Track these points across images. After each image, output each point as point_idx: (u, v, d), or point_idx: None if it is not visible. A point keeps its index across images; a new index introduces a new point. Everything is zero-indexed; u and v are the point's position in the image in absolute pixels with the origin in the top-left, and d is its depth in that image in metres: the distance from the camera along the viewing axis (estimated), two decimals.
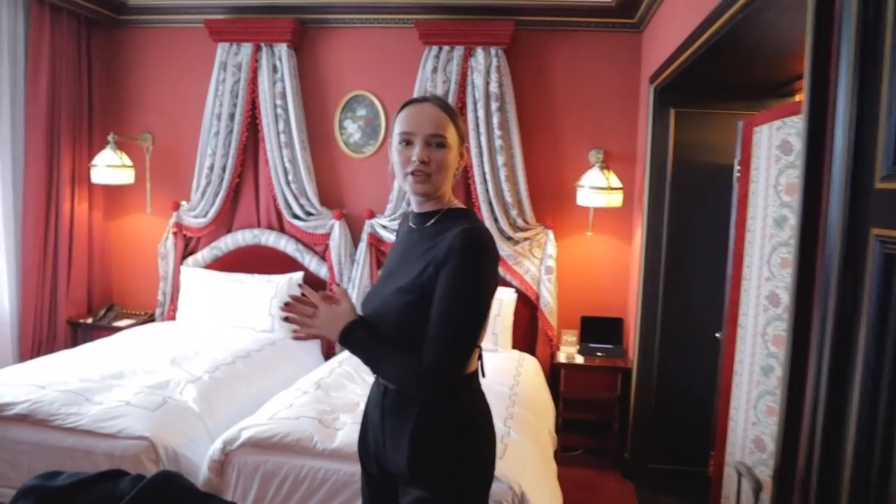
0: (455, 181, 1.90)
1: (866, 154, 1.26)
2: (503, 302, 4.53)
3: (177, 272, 5.05)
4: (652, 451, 4.21)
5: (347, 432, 2.91)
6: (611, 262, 4.82)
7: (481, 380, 1.88)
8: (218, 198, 4.94)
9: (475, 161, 4.59)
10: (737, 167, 2.90)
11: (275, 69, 4.84)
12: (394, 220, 4.70)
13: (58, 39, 4.68)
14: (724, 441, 2.93)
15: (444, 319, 1.68)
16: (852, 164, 1.28)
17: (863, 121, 1.28)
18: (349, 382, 3.73)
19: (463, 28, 4.59)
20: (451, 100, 4.50)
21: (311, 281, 4.88)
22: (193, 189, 5.03)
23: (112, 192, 5.24)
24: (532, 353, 4.64)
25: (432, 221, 1.84)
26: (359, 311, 1.85)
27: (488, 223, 4.52)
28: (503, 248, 4.56)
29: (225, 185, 4.92)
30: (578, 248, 4.82)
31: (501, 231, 4.62)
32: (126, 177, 4.95)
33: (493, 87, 4.54)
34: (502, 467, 2.61)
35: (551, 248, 4.63)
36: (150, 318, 5.14)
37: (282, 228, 5.02)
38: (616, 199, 4.45)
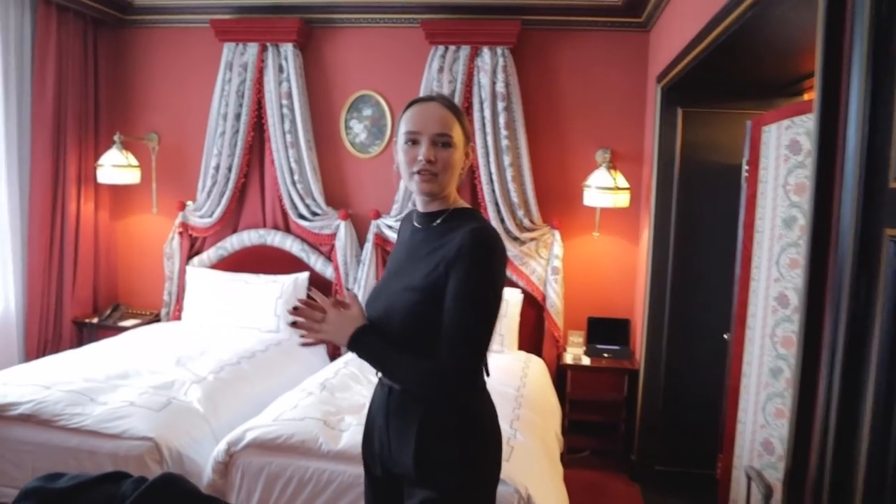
0: (460, 181, 1.88)
1: (880, 153, 1.24)
2: (509, 303, 4.51)
3: (182, 272, 5.04)
4: (659, 453, 4.17)
5: (352, 434, 2.89)
6: (617, 263, 4.79)
7: (486, 380, 1.87)
8: (224, 198, 4.94)
9: (481, 161, 4.58)
10: (745, 167, 2.87)
11: (280, 69, 4.83)
12: (399, 220, 4.68)
13: (64, 39, 4.69)
14: (732, 443, 2.90)
15: (459, 321, 1.67)
16: (865, 163, 1.25)
17: (876, 119, 1.26)
18: (354, 383, 3.72)
19: (469, 28, 4.57)
20: (457, 100, 4.49)
21: (317, 281, 4.87)
22: (199, 189, 5.03)
23: (118, 191, 5.24)
24: (538, 354, 4.62)
25: (439, 221, 1.83)
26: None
27: (494, 223, 4.50)
28: (509, 249, 4.54)
29: (231, 185, 4.92)
30: (585, 249, 4.80)
31: (508, 231, 4.60)
32: (132, 177, 4.95)
33: (500, 87, 4.52)
34: (508, 469, 2.59)
35: (558, 249, 4.61)
36: (156, 318, 5.13)
37: (287, 229, 5.01)
38: (623, 200, 4.42)
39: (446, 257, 1.70)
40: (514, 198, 4.59)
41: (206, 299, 4.81)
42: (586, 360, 4.50)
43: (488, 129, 4.54)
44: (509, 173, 4.56)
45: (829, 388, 1.36)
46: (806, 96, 3.62)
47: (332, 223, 4.83)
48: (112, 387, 3.41)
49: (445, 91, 4.53)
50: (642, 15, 4.45)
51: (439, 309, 1.70)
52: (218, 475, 2.92)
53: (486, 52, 4.54)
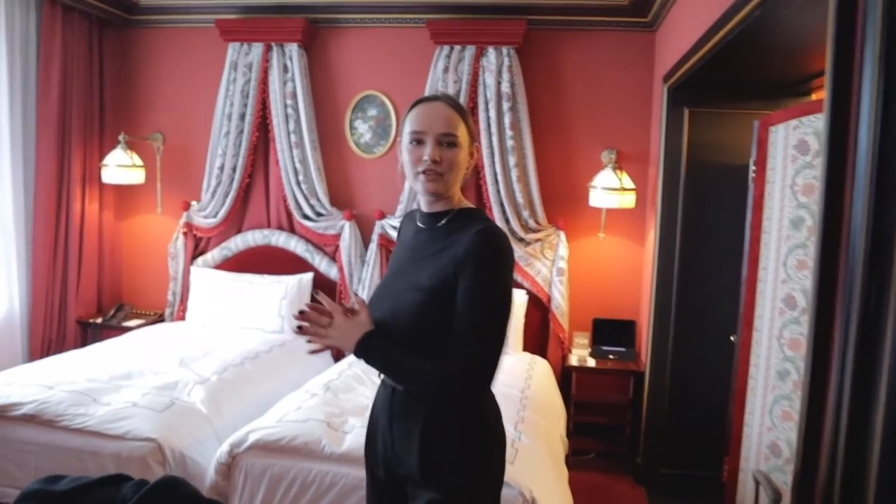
0: (465, 181, 1.87)
1: (892, 152, 1.22)
2: (514, 304, 4.47)
3: (187, 272, 5.04)
4: (665, 455, 4.15)
5: (356, 436, 2.88)
6: (623, 264, 4.77)
7: None
8: (228, 198, 4.94)
9: (486, 162, 4.56)
10: (752, 167, 2.85)
11: (285, 69, 4.82)
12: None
13: (69, 39, 4.69)
14: (739, 446, 2.88)
15: (474, 323, 1.66)
16: (877, 162, 1.23)
17: (888, 119, 1.24)
18: (358, 385, 3.70)
19: (474, 27, 4.56)
20: (462, 100, 4.47)
21: (322, 282, 4.86)
22: (204, 189, 5.02)
23: (123, 191, 5.24)
24: (543, 355, 4.60)
25: (444, 221, 1.82)
26: None
27: (500, 224, 4.47)
28: (514, 250, 4.52)
29: (235, 185, 4.91)
30: (590, 250, 4.78)
31: (513, 232, 4.58)
32: (137, 177, 4.95)
33: (505, 87, 4.51)
34: (513, 472, 2.58)
35: (563, 250, 4.59)
36: (160, 319, 5.13)
37: (292, 229, 5.00)
38: (629, 200, 4.40)
39: (454, 258, 1.69)
40: (520, 198, 4.57)
41: (210, 299, 4.80)
42: (591, 362, 4.48)
43: (493, 129, 4.53)
44: (514, 174, 4.54)
45: (839, 391, 1.34)
46: (814, 96, 3.60)
47: (336, 224, 4.82)
48: (115, 387, 3.40)
49: (451, 91, 4.51)
50: (648, 15, 4.43)
51: (446, 309, 1.69)
52: (221, 477, 2.90)
53: (491, 52, 4.53)
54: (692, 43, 3.27)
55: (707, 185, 3.98)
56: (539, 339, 4.69)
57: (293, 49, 4.78)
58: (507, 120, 4.51)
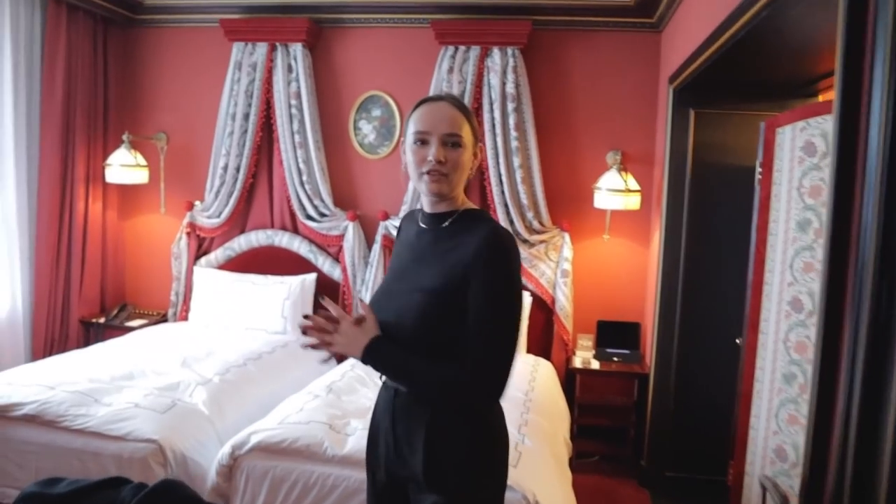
0: (468, 181, 1.86)
1: None
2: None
3: (190, 272, 5.03)
4: (669, 458, 4.13)
5: (358, 438, 2.87)
6: (628, 266, 4.75)
7: None
8: (232, 198, 4.93)
9: (491, 162, 4.54)
10: (758, 169, 2.83)
11: (290, 69, 4.81)
12: None
13: (74, 38, 4.69)
14: (744, 450, 2.86)
15: (492, 328, 1.66)
16: (889, 164, 1.21)
17: None
18: (361, 386, 3.69)
19: (479, 28, 4.54)
20: (466, 100, 4.46)
21: (325, 283, 4.85)
22: (207, 189, 5.02)
23: (126, 191, 5.24)
24: (547, 357, 4.58)
25: (448, 222, 1.80)
26: None
27: (503, 225, 4.45)
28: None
29: (239, 185, 4.91)
30: (595, 251, 4.75)
31: (517, 233, 4.56)
32: (140, 176, 4.94)
33: (510, 88, 4.49)
34: (516, 475, 2.56)
35: (567, 251, 4.57)
36: (163, 319, 5.12)
37: (295, 229, 4.99)
38: (634, 202, 4.38)
39: (462, 259, 1.68)
40: (524, 199, 4.55)
41: (213, 300, 4.79)
42: (595, 364, 4.46)
43: (498, 130, 4.51)
44: (519, 175, 4.53)
45: (849, 395, 1.32)
46: (821, 97, 3.58)
47: (340, 224, 4.81)
48: (117, 388, 3.39)
49: (455, 92, 4.50)
50: (654, 15, 4.41)
51: (451, 310, 1.68)
52: (222, 478, 2.89)
53: (496, 52, 4.51)
54: (698, 43, 3.25)
55: (713, 186, 3.96)
56: (543, 341, 4.67)
57: (297, 49, 4.77)
58: (511, 121, 4.50)
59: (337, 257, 4.88)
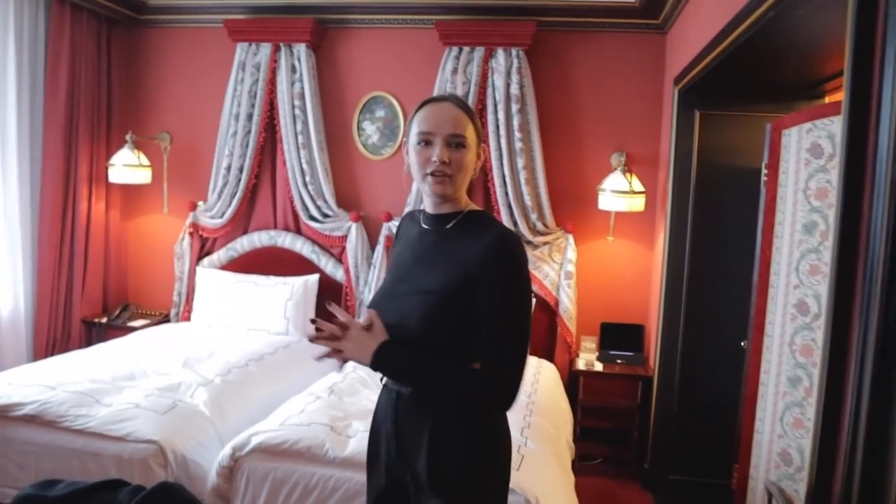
0: (472, 182, 1.84)
1: None
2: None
3: (192, 273, 5.02)
4: (673, 461, 4.10)
5: (360, 440, 2.85)
6: (632, 268, 4.73)
7: None
8: (235, 198, 4.92)
9: (495, 164, 4.53)
10: (764, 171, 2.81)
11: (293, 69, 4.80)
12: None
13: (78, 38, 4.68)
14: (749, 453, 2.84)
15: (508, 332, 1.66)
16: None
17: None
18: (363, 388, 3.67)
19: (484, 29, 4.52)
20: (471, 101, 4.44)
21: (327, 284, 4.83)
22: (210, 189, 5.01)
23: (129, 191, 5.23)
24: (550, 359, 4.56)
25: (453, 224, 1.79)
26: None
27: (507, 226, 4.44)
28: None
29: (242, 185, 4.90)
30: (599, 253, 4.73)
31: (520, 235, 4.54)
32: (143, 176, 4.94)
33: (514, 89, 4.47)
34: (519, 478, 2.54)
35: (571, 253, 4.55)
36: (166, 319, 5.12)
37: (298, 230, 4.98)
38: (638, 203, 4.36)
39: (469, 262, 1.67)
40: (528, 201, 4.53)
41: (215, 300, 4.78)
42: (599, 366, 4.44)
43: (502, 131, 4.49)
44: (523, 176, 4.51)
45: (857, 400, 1.30)
46: (827, 99, 3.56)
47: (343, 225, 4.80)
48: (118, 388, 3.37)
49: (459, 93, 4.48)
50: (659, 16, 4.39)
51: (456, 311, 1.68)
52: (222, 480, 2.88)
53: (500, 53, 4.49)
54: (704, 44, 3.23)
55: (718, 188, 3.94)
56: (546, 342, 4.65)
57: (301, 49, 4.76)
58: (515, 122, 4.48)
59: (340, 258, 4.87)
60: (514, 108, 4.47)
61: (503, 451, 1.80)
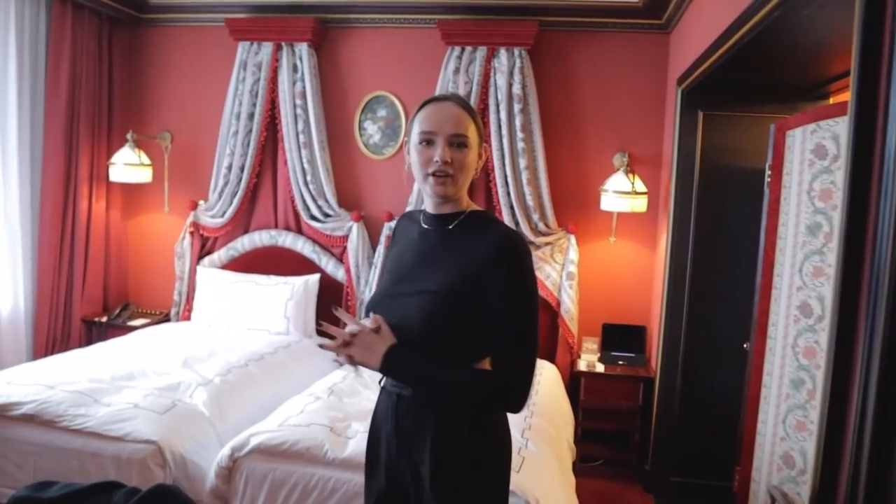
0: (473, 181, 1.83)
1: None
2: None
3: (193, 272, 5.01)
4: (674, 463, 4.09)
5: (359, 441, 2.83)
6: (634, 269, 4.71)
7: None
8: (235, 198, 4.91)
9: (497, 164, 4.51)
10: (768, 172, 2.80)
11: (295, 69, 4.79)
12: None
13: (79, 37, 4.67)
14: (751, 456, 2.83)
15: (519, 333, 1.66)
16: None
17: None
18: (363, 388, 3.66)
19: (486, 28, 4.51)
20: (473, 101, 4.42)
21: (328, 283, 4.82)
22: (211, 189, 5.00)
23: (130, 190, 5.22)
24: (552, 360, 4.54)
25: (455, 224, 1.77)
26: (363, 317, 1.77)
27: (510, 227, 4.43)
28: None
29: (243, 185, 4.89)
30: (601, 254, 4.72)
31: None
32: (144, 175, 4.93)
33: (516, 89, 4.46)
34: (519, 480, 2.53)
35: (573, 254, 4.53)
36: (166, 318, 5.11)
37: (299, 230, 4.96)
38: (641, 204, 4.35)
39: (473, 263, 1.66)
40: (530, 201, 4.52)
41: (216, 300, 4.77)
42: (600, 368, 4.42)
43: (504, 131, 4.48)
44: (525, 176, 4.49)
45: (863, 402, 1.28)
46: (832, 99, 3.54)
47: (344, 225, 4.78)
48: (117, 388, 3.36)
49: (461, 92, 4.47)
50: (663, 16, 4.37)
51: (458, 311, 1.67)
52: (221, 480, 2.87)
53: (502, 53, 4.48)
54: (707, 45, 3.22)
55: (721, 189, 3.93)
56: (548, 343, 4.63)
57: (303, 49, 4.75)
58: (517, 122, 4.46)
59: (341, 258, 4.86)
60: (517, 107, 4.46)
61: (504, 452, 1.79)
